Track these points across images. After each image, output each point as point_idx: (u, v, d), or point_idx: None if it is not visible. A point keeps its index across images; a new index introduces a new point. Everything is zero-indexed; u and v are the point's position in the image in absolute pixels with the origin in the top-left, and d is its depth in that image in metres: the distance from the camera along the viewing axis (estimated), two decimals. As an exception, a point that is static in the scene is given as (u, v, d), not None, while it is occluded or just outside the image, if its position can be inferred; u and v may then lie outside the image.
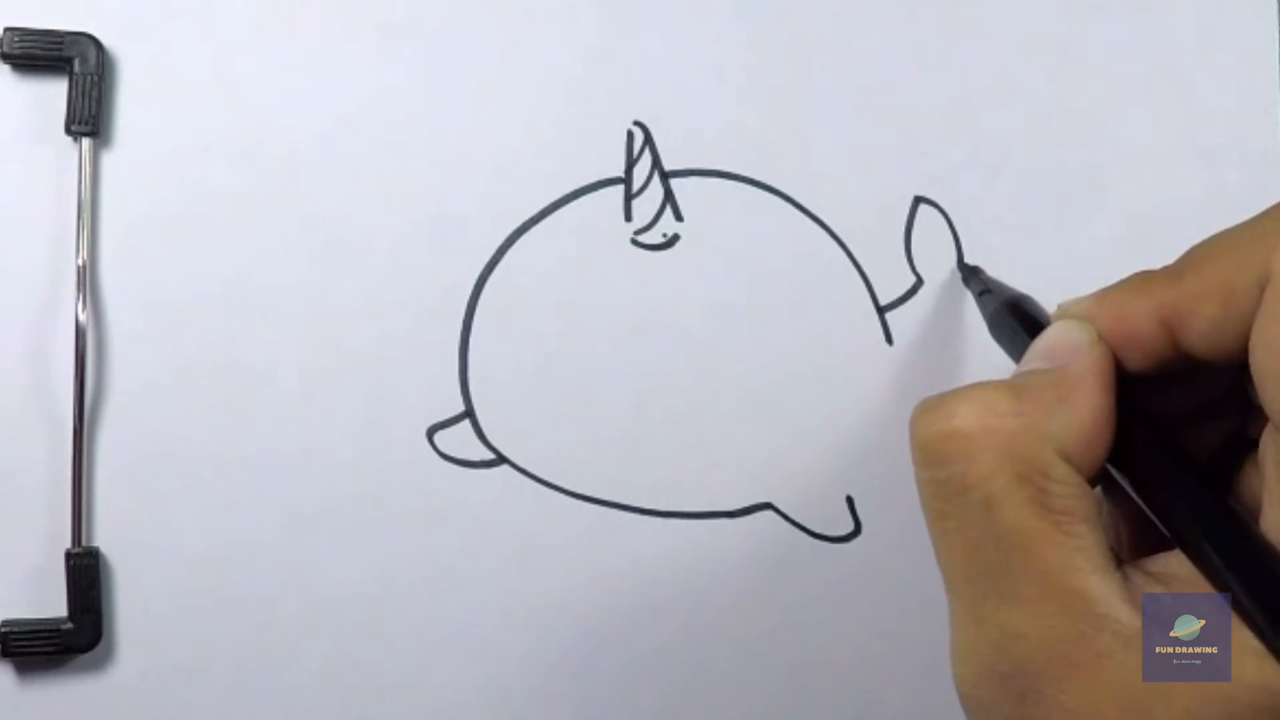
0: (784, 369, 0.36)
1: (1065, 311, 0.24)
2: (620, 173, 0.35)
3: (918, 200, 0.36)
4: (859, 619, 0.36)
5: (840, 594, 0.35)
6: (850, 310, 0.36)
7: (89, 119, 0.32)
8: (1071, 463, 0.21)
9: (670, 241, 0.35)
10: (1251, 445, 0.22)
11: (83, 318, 0.32)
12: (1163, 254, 0.37)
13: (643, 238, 0.35)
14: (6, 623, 0.31)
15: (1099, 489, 0.23)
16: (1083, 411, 0.21)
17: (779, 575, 0.35)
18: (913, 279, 0.36)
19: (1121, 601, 0.20)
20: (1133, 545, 0.24)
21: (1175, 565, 0.21)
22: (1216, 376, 0.23)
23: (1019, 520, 0.20)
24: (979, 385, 0.22)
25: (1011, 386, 0.22)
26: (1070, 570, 0.20)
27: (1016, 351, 0.27)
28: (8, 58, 0.32)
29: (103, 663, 0.32)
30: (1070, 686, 0.20)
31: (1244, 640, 0.19)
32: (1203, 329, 0.22)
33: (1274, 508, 0.20)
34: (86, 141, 0.32)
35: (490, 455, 0.34)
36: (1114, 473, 0.22)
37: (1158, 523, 0.22)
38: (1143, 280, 0.23)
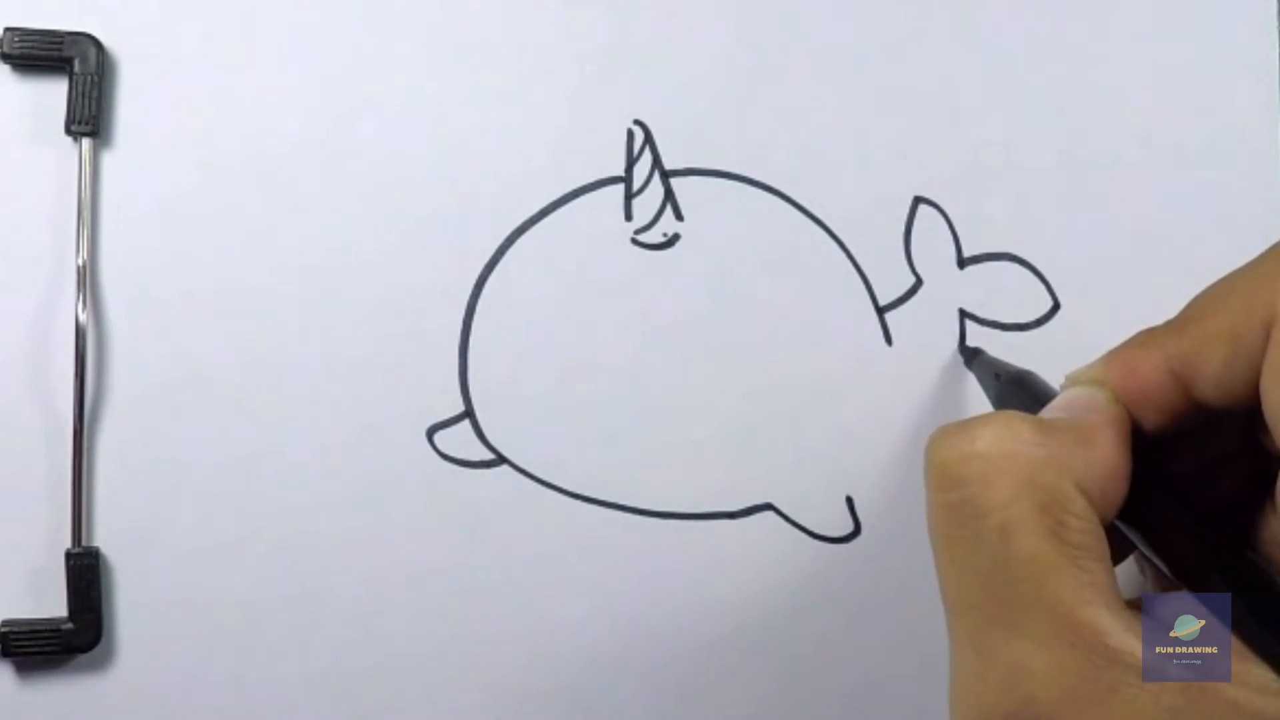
0: (784, 369, 0.36)
1: (1074, 379, 0.24)
2: (620, 172, 0.35)
3: (917, 200, 0.36)
4: (859, 619, 0.36)
5: (840, 594, 0.35)
6: (850, 310, 0.36)
7: (89, 119, 0.32)
8: (1090, 501, 0.21)
9: (670, 241, 0.35)
10: (1270, 493, 0.22)
11: (83, 318, 0.32)
12: (1162, 254, 0.37)
13: (643, 237, 0.35)
14: (6, 623, 0.31)
15: None
16: (1103, 454, 0.21)
17: (779, 575, 0.35)
18: (912, 279, 0.36)
19: (1135, 637, 0.19)
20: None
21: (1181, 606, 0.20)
22: (1231, 427, 0.23)
23: (1035, 550, 0.20)
24: (1002, 413, 0.22)
25: (1035, 419, 0.22)
26: (1083, 603, 0.20)
27: None
28: (8, 58, 0.32)
29: (103, 663, 0.32)
30: None
31: (1265, 681, 0.19)
32: (1213, 376, 0.21)
33: None
34: (86, 141, 0.32)
35: (490, 455, 0.34)
36: (1123, 528, 0.22)
37: (1171, 576, 0.21)
38: (1148, 336, 0.23)
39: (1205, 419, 0.23)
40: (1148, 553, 0.22)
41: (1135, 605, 0.21)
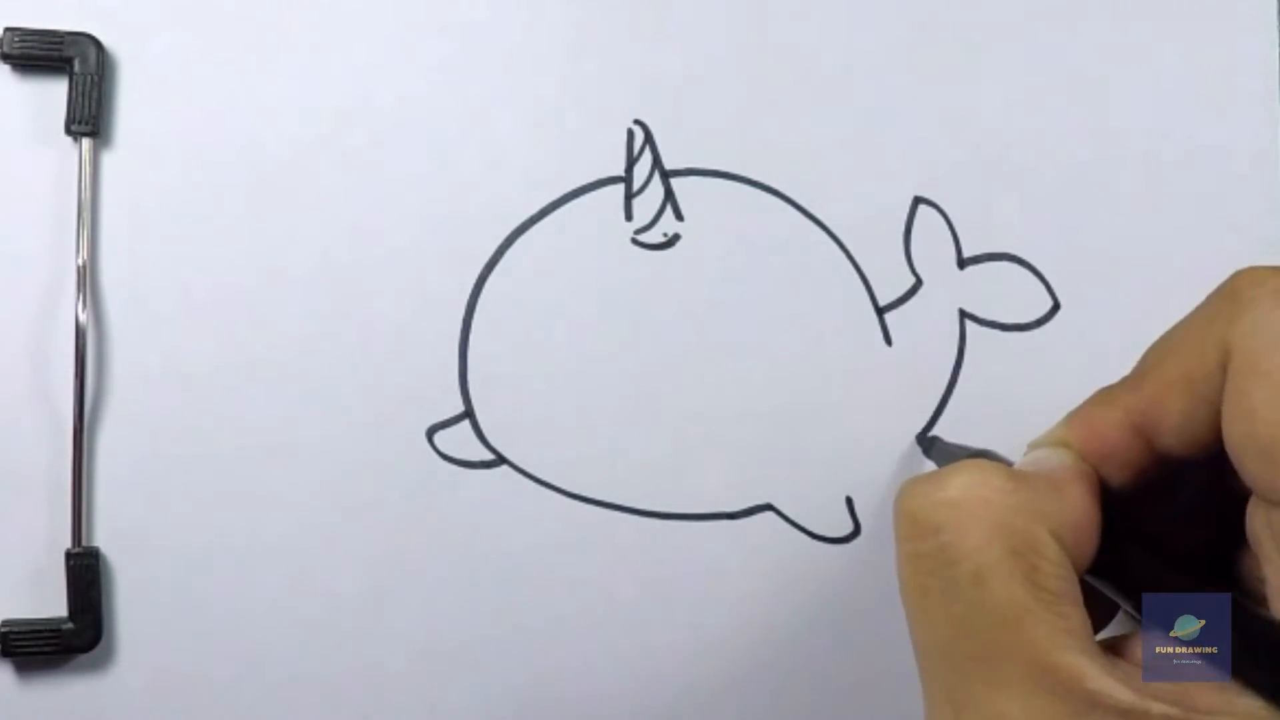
0: (784, 369, 0.36)
1: (1037, 444, 0.24)
2: (621, 172, 0.35)
3: (917, 200, 0.36)
4: (859, 619, 0.35)
5: (840, 594, 0.35)
6: (849, 310, 0.36)
7: (89, 119, 0.32)
8: (1063, 548, 0.21)
9: (670, 241, 0.35)
10: (1243, 533, 0.22)
11: (83, 318, 0.32)
12: (1163, 254, 0.37)
13: (643, 237, 0.35)
14: (6, 623, 0.31)
15: None
16: (1074, 504, 0.21)
17: (779, 576, 0.35)
18: (912, 279, 0.36)
19: (1114, 680, 0.19)
20: None
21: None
22: (1199, 473, 0.23)
23: (1009, 595, 0.20)
24: (973, 461, 0.22)
25: (1006, 468, 0.22)
26: (1060, 648, 0.19)
27: None
28: (8, 58, 0.32)
29: (103, 663, 0.32)
30: None
31: (1250, 709, 0.19)
32: (1174, 425, 0.22)
33: (1277, 576, 0.20)
34: (86, 141, 0.32)
35: (490, 455, 0.34)
36: (1095, 582, 0.22)
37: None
38: (1106, 394, 0.23)
39: (1172, 469, 0.23)
40: (1123, 605, 0.22)
41: (1111, 648, 0.21)
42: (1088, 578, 0.22)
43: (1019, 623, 0.20)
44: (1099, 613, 0.23)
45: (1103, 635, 0.23)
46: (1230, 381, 0.20)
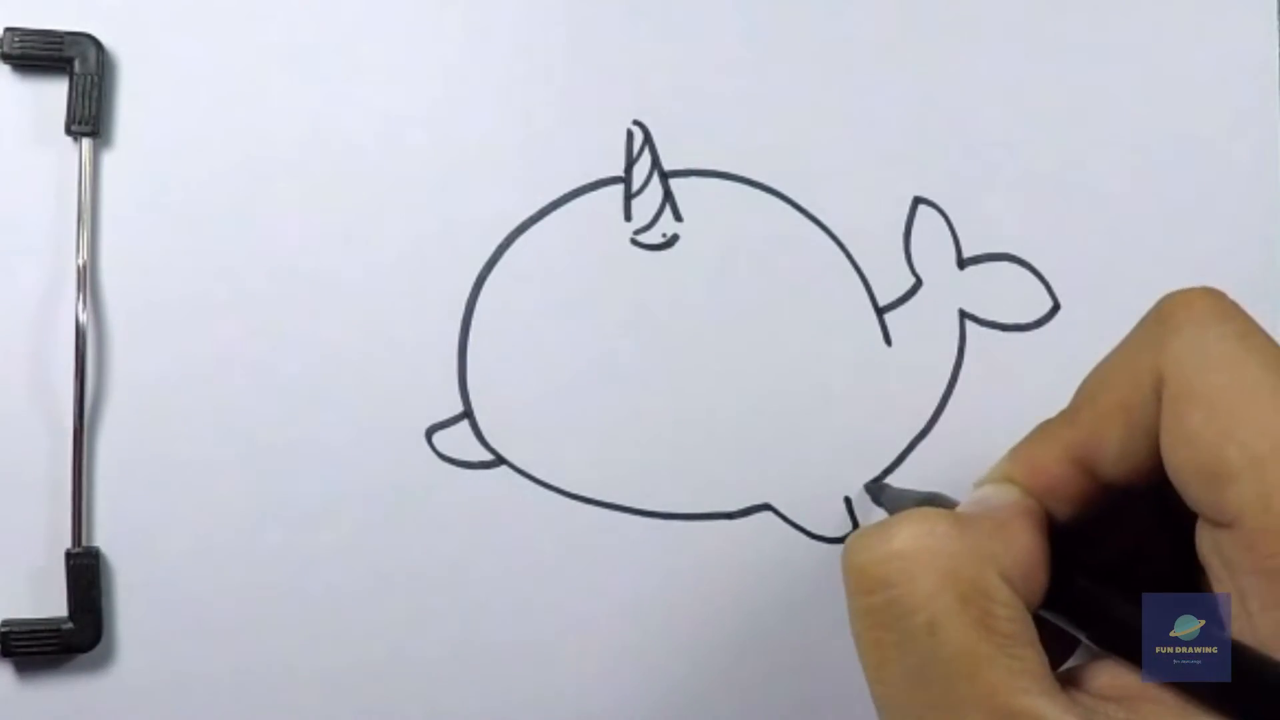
0: (783, 369, 0.35)
1: (980, 482, 0.24)
2: (620, 172, 0.35)
3: (917, 200, 0.36)
4: (858, 619, 0.35)
5: (839, 594, 0.35)
6: (849, 310, 0.36)
7: (89, 119, 0.32)
8: (1013, 589, 0.21)
9: (670, 241, 0.35)
10: (1194, 556, 0.22)
11: (83, 318, 0.32)
12: (1163, 254, 0.37)
13: (642, 237, 0.35)
14: (7, 623, 0.31)
15: None
16: (1021, 543, 0.21)
17: (778, 575, 0.35)
18: (912, 279, 0.36)
19: (1072, 718, 0.19)
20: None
21: (1114, 676, 0.21)
22: (1142, 500, 0.23)
23: (964, 643, 0.20)
24: (917, 510, 0.22)
25: (951, 513, 0.22)
26: (1019, 691, 0.19)
27: None
28: (8, 58, 0.32)
29: (103, 663, 0.32)
30: None
31: None
32: (1114, 456, 0.22)
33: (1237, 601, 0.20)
34: (86, 141, 0.32)
35: (489, 456, 0.34)
36: (1050, 616, 0.22)
37: (1107, 653, 0.21)
38: (1045, 430, 0.23)
39: (1117, 498, 0.23)
40: (1080, 636, 0.22)
41: (1069, 680, 0.21)
42: (1042, 613, 0.22)
43: (975, 670, 0.19)
44: (1061, 646, 0.23)
45: (1065, 666, 0.23)
46: (1166, 408, 0.20)
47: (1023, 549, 0.21)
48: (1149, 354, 0.21)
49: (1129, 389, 0.21)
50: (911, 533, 0.21)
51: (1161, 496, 0.22)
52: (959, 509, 0.23)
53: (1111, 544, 0.24)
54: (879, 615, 0.21)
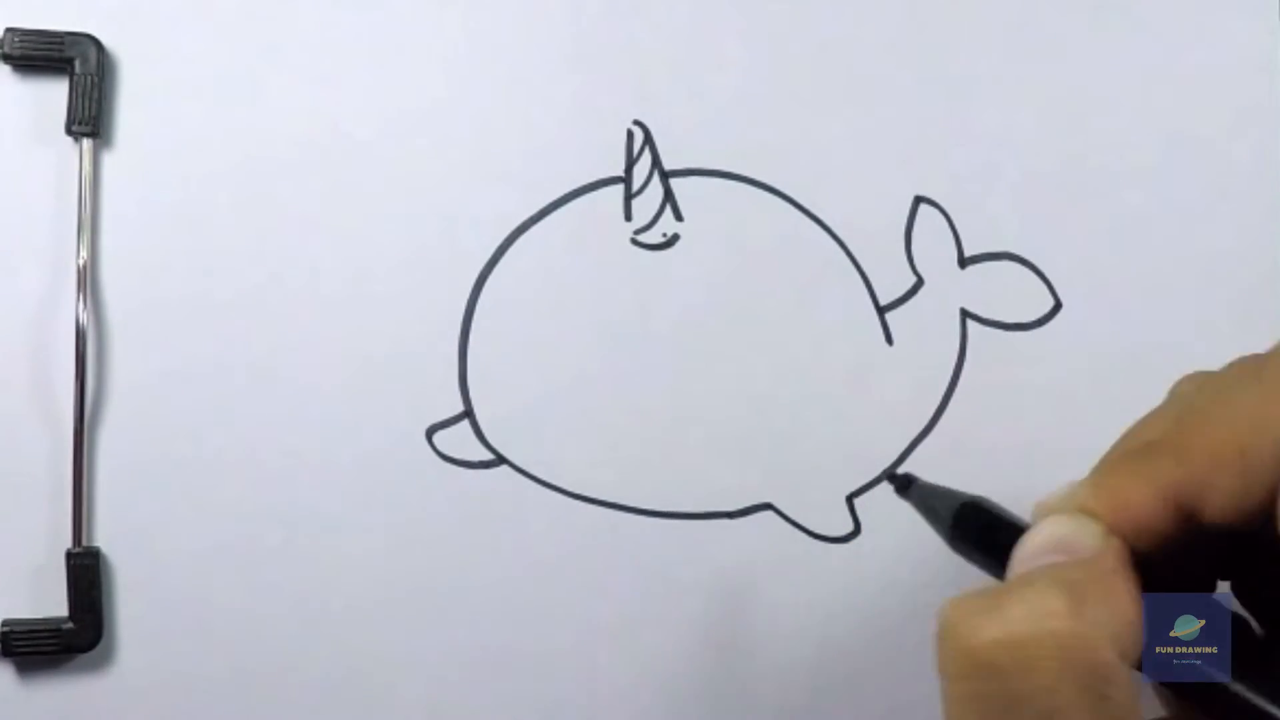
0: (784, 369, 0.35)
1: (1050, 508, 0.22)
2: (620, 172, 0.35)
3: (918, 200, 0.36)
4: (859, 619, 0.35)
5: (840, 594, 0.35)
6: (850, 310, 0.36)
7: (89, 119, 0.32)
8: (1127, 663, 0.19)
9: (670, 241, 0.35)
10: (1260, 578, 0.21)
11: (83, 318, 0.32)
12: (1163, 254, 0.37)
13: (643, 237, 0.35)
14: (7, 622, 0.31)
15: None
16: (1126, 606, 0.20)
17: (779, 575, 0.35)
18: (913, 279, 0.36)
19: None
20: None
21: None
22: (1225, 542, 0.22)
23: None
24: (1029, 584, 0.20)
25: (1064, 584, 0.20)
26: None
27: (989, 561, 0.24)
28: (8, 58, 0.32)
29: (103, 663, 0.32)
30: None
31: None
32: (1221, 503, 0.20)
33: None
34: (86, 141, 0.32)
35: (489, 455, 0.34)
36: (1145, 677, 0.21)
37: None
38: (1142, 461, 0.21)
39: (1203, 537, 0.21)
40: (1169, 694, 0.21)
41: None
42: (1140, 674, 0.20)
43: None
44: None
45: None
46: None
47: (1128, 609, 0.20)
48: (1276, 403, 0.20)
49: (1250, 436, 0.20)
50: (1028, 614, 0.19)
51: (1251, 537, 0.21)
52: (1056, 570, 0.21)
53: (1178, 575, 0.22)
54: (987, 704, 0.19)
